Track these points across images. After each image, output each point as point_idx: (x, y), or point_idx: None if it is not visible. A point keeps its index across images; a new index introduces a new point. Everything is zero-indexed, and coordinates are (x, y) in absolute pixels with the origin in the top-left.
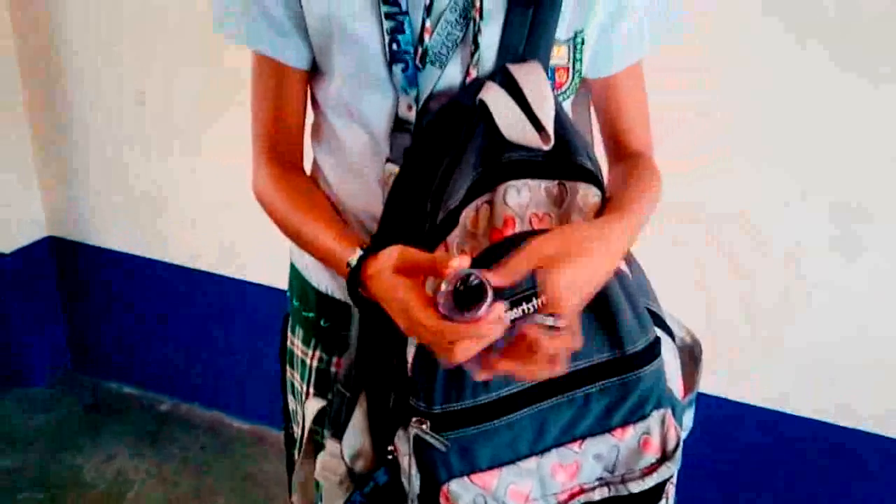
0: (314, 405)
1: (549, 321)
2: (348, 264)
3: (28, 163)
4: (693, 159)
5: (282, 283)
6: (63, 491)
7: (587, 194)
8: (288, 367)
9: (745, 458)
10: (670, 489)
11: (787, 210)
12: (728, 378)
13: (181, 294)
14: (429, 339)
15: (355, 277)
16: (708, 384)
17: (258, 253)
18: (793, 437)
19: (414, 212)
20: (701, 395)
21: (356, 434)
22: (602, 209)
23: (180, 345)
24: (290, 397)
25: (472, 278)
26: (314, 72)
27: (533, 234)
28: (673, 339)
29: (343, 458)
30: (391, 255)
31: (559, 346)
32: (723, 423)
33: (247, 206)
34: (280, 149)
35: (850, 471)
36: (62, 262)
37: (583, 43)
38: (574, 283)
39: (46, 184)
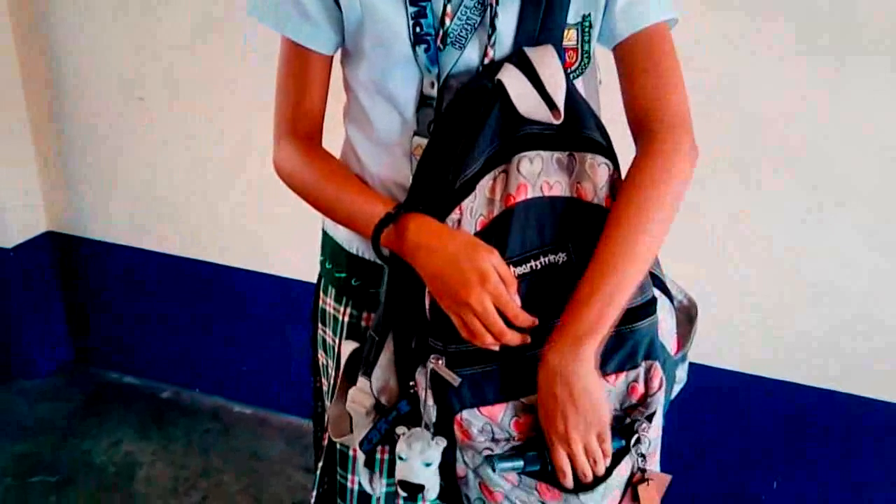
0: (348, 347)
1: None
2: (387, 214)
3: (28, 158)
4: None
5: (279, 270)
6: (74, 473)
7: (594, 163)
8: (320, 325)
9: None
10: (647, 427)
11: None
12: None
13: (179, 284)
14: (479, 310)
15: (383, 227)
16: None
17: (255, 242)
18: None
19: (439, 179)
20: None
21: (383, 371)
22: (613, 185)
23: (179, 334)
24: (320, 352)
25: None
26: (346, 57)
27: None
28: (671, 300)
29: (372, 392)
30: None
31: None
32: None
33: (242, 197)
34: (301, 127)
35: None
36: (61, 256)
37: (590, 26)
38: (569, 426)
39: (46, 179)
